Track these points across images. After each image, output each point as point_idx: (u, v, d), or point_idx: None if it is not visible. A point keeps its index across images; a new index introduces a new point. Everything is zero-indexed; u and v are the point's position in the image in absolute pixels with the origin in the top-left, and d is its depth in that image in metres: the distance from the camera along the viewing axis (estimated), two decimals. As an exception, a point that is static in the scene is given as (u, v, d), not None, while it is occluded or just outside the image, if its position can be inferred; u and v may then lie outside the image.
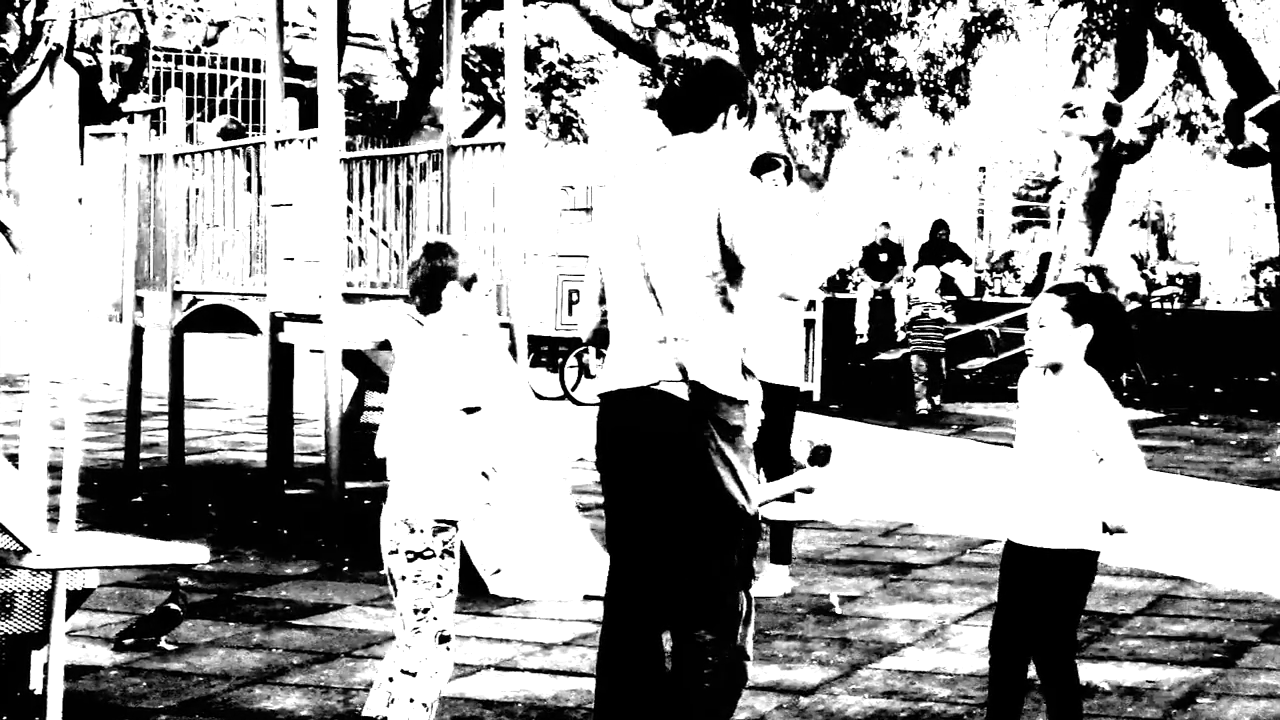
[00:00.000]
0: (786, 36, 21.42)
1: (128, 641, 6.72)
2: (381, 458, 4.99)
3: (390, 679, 4.94)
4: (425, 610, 4.86)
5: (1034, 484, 4.95)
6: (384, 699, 4.94)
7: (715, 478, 4.53)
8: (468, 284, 4.97)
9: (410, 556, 4.86)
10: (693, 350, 4.56)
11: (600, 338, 4.89)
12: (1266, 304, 24.27)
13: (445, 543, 4.87)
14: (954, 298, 19.14)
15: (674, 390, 4.55)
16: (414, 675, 4.84)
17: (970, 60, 23.67)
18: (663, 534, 4.62)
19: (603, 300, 4.88)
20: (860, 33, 21.24)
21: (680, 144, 4.69)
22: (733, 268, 4.61)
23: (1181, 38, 21.61)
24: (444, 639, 4.88)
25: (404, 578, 4.87)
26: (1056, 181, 18.66)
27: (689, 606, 4.59)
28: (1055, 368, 4.93)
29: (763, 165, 7.50)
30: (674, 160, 4.68)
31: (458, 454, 4.89)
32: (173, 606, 6.77)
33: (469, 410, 4.90)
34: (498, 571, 7.79)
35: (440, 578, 4.86)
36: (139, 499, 10.58)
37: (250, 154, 10.79)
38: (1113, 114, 20.03)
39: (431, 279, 4.95)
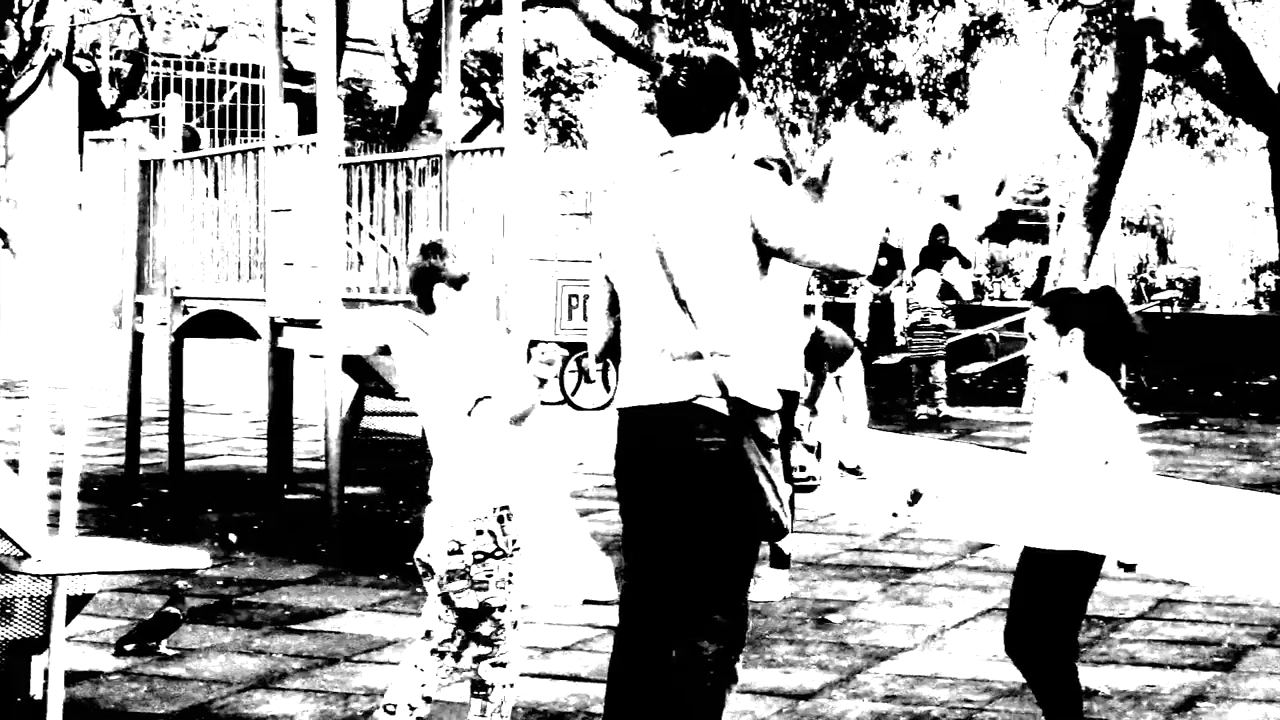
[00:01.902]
0: (785, 40, 21.41)
1: (128, 647, 6.72)
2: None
3: (417, 667, 5.04)
4: (503, 608, 5.01)
5: (1038, 487, 5.00)
6: (416, 691, 5.02)
7: (760, 493, 4.44)
8: (457, 283, 5.01)
9: (479, 557, 4.95)
10: (732, 365, 4.44)
11: (612, 350, 4.75)
12: (1266, 308, 24.27)
13: (513, 540, 5.00)
14: (953, 302, 19.12)
15: (713, 405, 4.43)
16: (505, 666, 5.04)
17: (969, 64, 23.67)
18: (693, 548, 4.51)
19: (612, 312, 4.74)
20: (859, 37, 21.23)
21: (686, 147, 4.55)
22: (764, 270, 4.52)
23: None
24: (514, 625, 5.07)
25: (467, 576, 4.96)
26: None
27: (702, 618, 4.51)
28: (1063, 375, 4.99)
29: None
30: (685, 166, 4.54)
31: (494, 445, 4.97)
32: (172, 610, 6.77)
33: (479, 400, 4.96)
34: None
35: (510, 575, 5.00)
36: (139, 504, 10.59)
37: (216, 162, 10.84)
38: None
39: (419, 279, 5.05)
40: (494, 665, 5.04)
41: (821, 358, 10.97)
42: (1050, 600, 4.99)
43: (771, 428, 4.52)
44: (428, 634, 5.05)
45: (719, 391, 4.44)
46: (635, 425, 4.59)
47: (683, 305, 4.47)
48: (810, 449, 10.99)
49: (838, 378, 11.61)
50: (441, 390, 4.99)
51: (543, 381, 5.03)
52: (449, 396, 4.97)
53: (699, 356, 4.46)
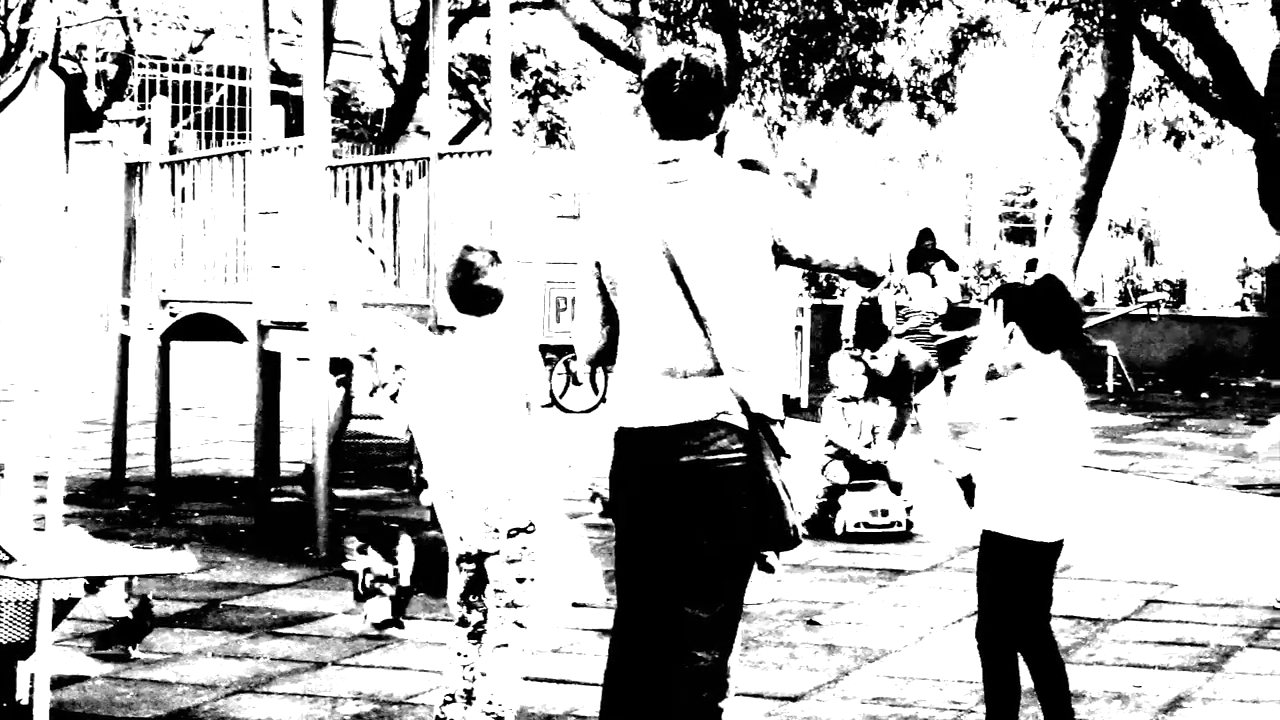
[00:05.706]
0: (773, 43, 21.42)
1: (98, 646, 6.69)
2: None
3: (460, 654, 5.35)
4: (512, 604, 5.30)
5: (981, 471, 5.36)
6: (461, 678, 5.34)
7: (781, 507, 4.38)
8: (500, 299, 5.33)
9: (513, 532, 5.25)
10: (752, 380, 4.35)
11: (603, 359, 4.61)
12: (1253, 309, 24.32)
13: (530, 520, 5.29)
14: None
15: (734, 421, 4.34)
16: (507, 646, 5.29)
17: (957, 67, 23.71)
18: (703, 563, 4.40)
19: (605, 322, 4.57)
20: (847, 39, 21.25)
21: (691, 155, 4.40)
22: (776, 277, 4.47)
23: (1168, 44, 21.66)
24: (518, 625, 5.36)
25: (500, 553, 5.26)
26: None
27: (701, 630, 4.42)
28: (1018, 365, 5.15)
29: None
30: (693, 175, 4.39)
31: (527, 455, 5.27)
32: (136, 617, 6.70)
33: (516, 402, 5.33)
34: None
35: (532, 578, 5.32)
36: (125, 508, 10.56)
37: (181, 168, 10.85)
38: None
39: (472, 285, 5.30)
40: (497, 646, 5.27)
41: (906, 385, 10.14)
42: (989, 580, 5.18)
43: (785, 435, 4.47)
44: (463, 621, 5.34)
45: (740, 408, 4.34)
46: (645, 445, 4.43)
47: (700, 320, 4.34)
48: (895, 488, 9.97)
49: (916, 404, 10.46)
50: (462, 392, 5.17)
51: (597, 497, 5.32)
52: (471, 398, 5.15)
53: (716, 372, 4.34)
